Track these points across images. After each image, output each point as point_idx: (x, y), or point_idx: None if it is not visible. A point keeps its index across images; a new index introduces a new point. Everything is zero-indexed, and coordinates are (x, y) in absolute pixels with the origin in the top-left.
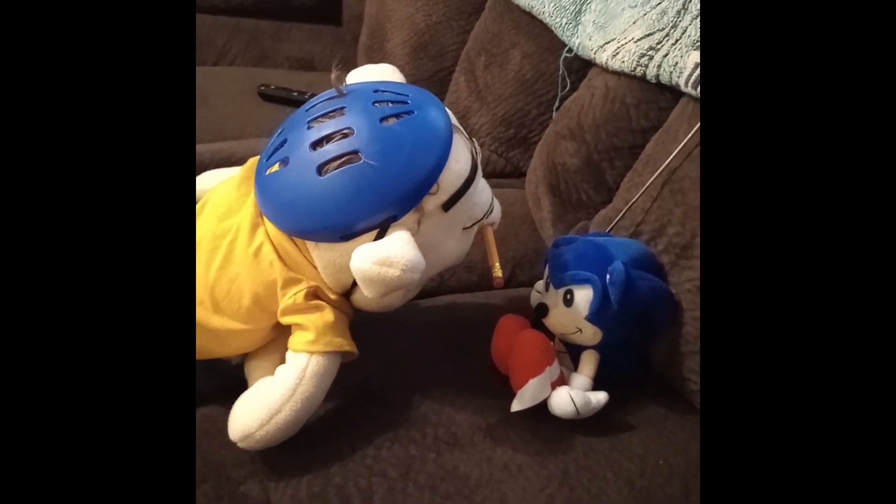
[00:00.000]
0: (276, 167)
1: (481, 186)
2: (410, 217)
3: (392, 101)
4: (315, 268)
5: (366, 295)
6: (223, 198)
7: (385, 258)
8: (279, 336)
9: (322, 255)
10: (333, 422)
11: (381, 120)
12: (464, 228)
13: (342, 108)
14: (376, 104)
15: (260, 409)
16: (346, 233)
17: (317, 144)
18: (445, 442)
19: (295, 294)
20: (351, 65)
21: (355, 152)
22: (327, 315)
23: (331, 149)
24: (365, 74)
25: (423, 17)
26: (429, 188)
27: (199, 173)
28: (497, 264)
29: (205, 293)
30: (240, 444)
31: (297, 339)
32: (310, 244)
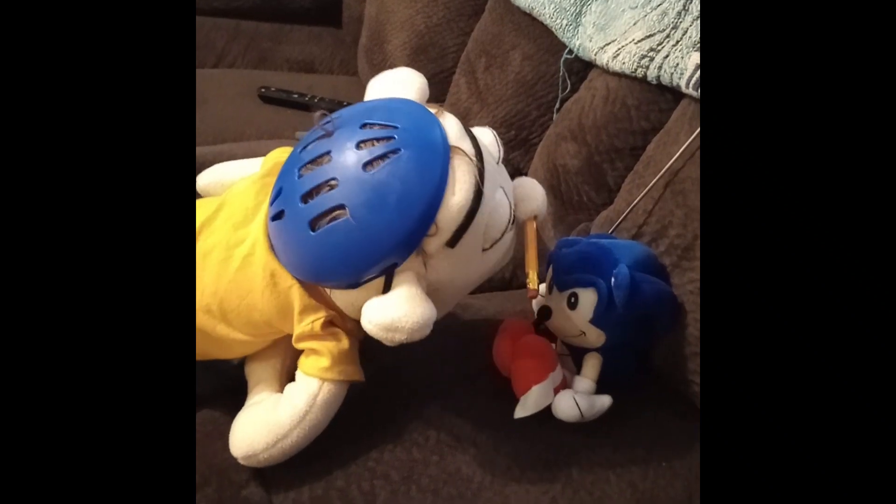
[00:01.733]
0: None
1: (497, 200)
2: (414, 260)
3: (377, 139)
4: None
5: None
6: (240, 203)
7: (390, 324)
8: (282, 338)
9: (338, 296)
10: (335, 424)
11: (366, 166)
12: (483, 249)
13: (329, 153)
14: (361, 144)
15: (267, 431)
16: (352, 283)
17: (307, 197)
18: (448, 445)
19: (313, 322)
20: (350, 67)
21: (342, 206)
22: (343, 343)
23: (318, 203)
24: (382, 85)
25: (423, 19)
26: (423, 234)
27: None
28: (533, 272)
29: (213, 302)
30: (241, 462)
31: (310, 363)
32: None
